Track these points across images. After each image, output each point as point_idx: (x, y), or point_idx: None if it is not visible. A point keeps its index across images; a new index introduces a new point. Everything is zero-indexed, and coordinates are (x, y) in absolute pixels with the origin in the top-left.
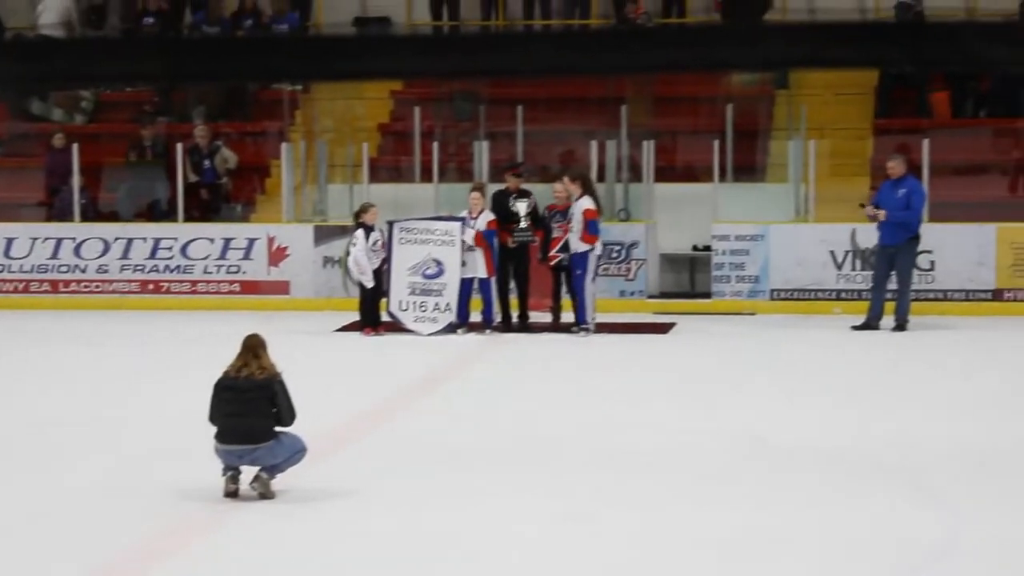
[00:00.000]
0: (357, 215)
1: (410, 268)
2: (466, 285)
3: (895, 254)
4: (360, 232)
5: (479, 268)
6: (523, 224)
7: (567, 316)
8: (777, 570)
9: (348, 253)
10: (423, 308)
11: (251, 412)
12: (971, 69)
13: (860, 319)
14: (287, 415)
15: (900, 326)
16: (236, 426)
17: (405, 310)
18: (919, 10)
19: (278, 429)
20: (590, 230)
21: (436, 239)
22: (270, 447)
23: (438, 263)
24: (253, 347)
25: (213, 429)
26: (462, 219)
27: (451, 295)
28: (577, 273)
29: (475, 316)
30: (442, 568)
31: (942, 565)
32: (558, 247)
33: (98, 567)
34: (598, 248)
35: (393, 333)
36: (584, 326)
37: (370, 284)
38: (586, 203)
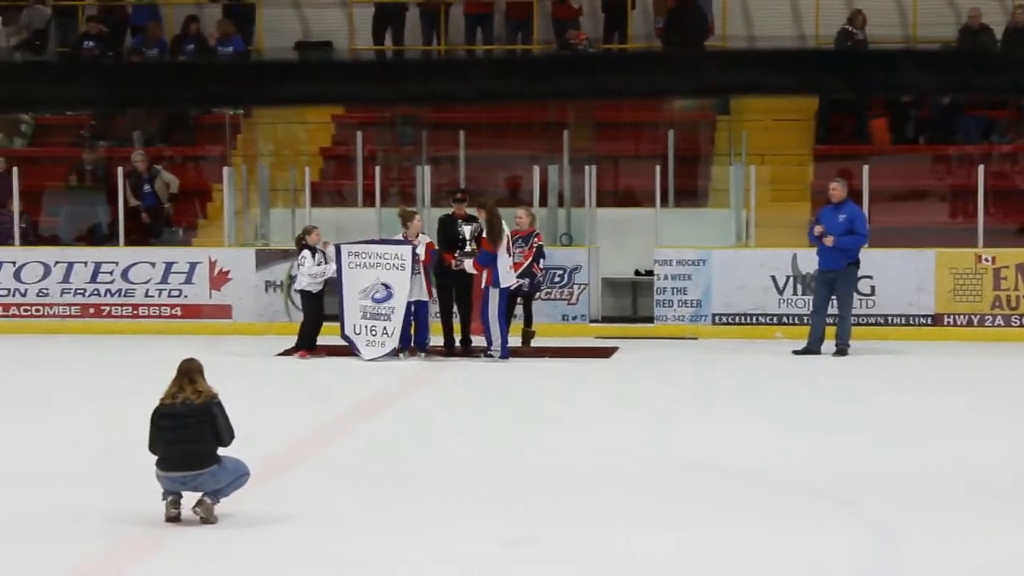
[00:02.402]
0: (300, 238)
1: (361, 292)
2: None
3: (835, 279)
4: (307, 252)
5: (421, 291)
6: (468, 248)
7: (516, 340)
8: None
9: (292, 276)
10: (373, 332)
11: (193, 438)
12: (910, 96)
13: (801, 344)
14: (226, 435)
15: (841, 351)
16: (178, 453)
17: (358, 333)
18: (860, 38)
19: (220, 452)
20: (481, 260)
21: (386, 263)
22: (212, 472)
23: (387, 287)
24: (188, 372)
25: (153, 456)
26: (410, 243)
27: (398, 320)
28: (484, 301)
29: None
30: None
31: None
32: (518, 272)
33: None
34: (506, 279)
35: (331, 357)
36: (490, 352)
37: (332, 273)
38: (484, 232)
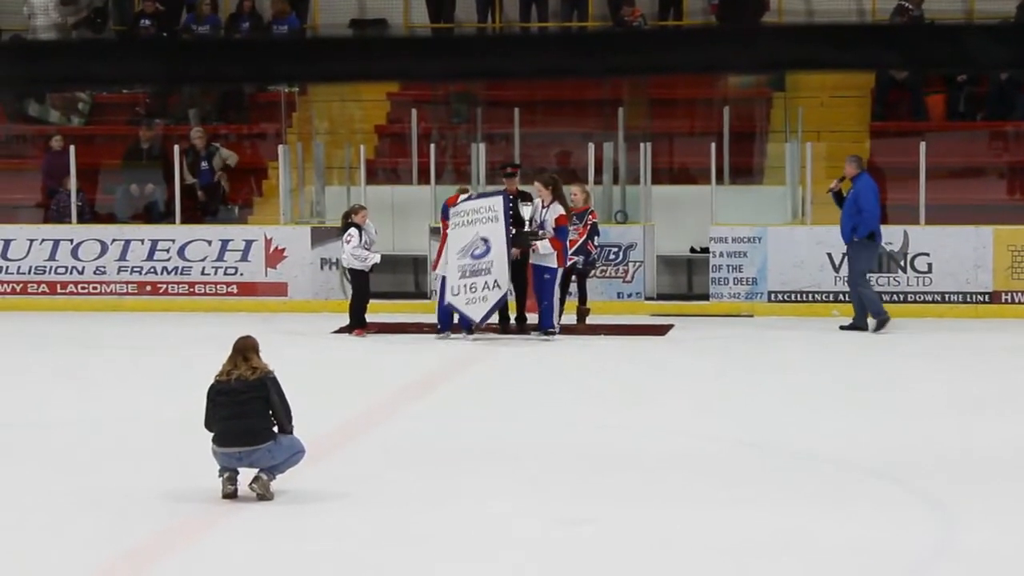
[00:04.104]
0: (347, 216)
1: (459, 251)
2: (445, 285)
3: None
4: (353, 230)
5: None
6: (528, 228)
7: (571, 318)
8: (768, 573)
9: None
10: (473, 289)
11: (248, 414)
12: (968, 72)
13: (849, 320)
14: (284, 416)
15: (880, 324)
16: (234, 429)
17: (456, 295)
18: (916, 14)
19: (277, 432)
20: (560, 236)
21: (482, 217)
22: (269, 448)
23: (485, 241)
24: (243, 349)
25: (209, 433)
26: (504, 192)
27: (499, 271)
28: (546, 278)
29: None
30: (442, 569)
31: (933, 571)
32: (573, 249)
33: (96, 569)
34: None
35: (381, 334)
36: (550, 330)
37: (377, 260)
38: (559, 209)
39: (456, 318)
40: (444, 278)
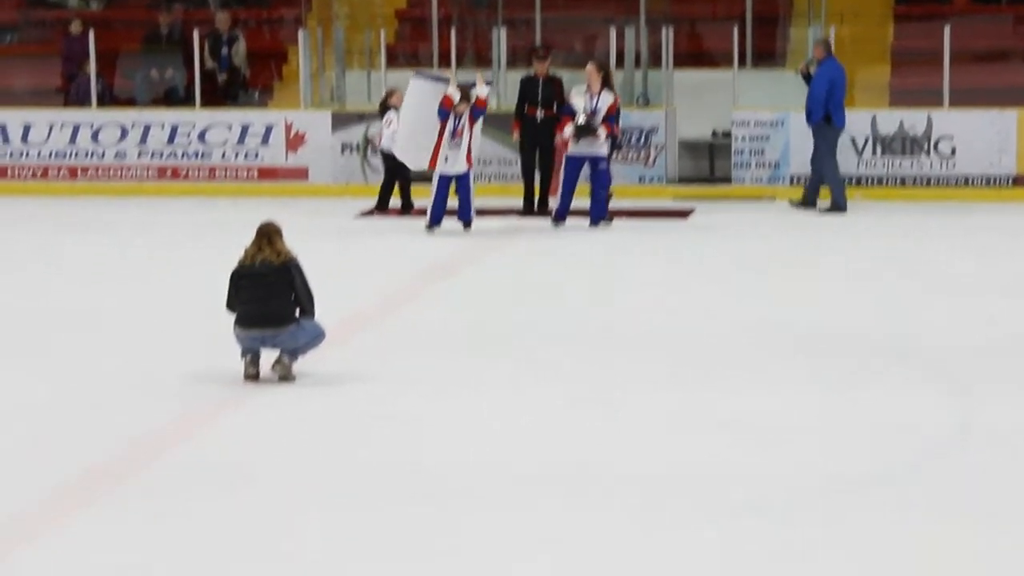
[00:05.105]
0: (384, 100)
1: None
2: (443, 184)
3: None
4: (392, 113)
5: (461, 162)
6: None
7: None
8: (791, 453)
9: (367, 138)
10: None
11: (271, 296)
12: None
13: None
14: (306, 300)
15: (832, 208)
16: (257, 311)
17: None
18: None
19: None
20: (612, 123)
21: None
22: (292, 331)
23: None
24: (268, 234)
25: (231, 315)
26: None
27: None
28: (601, 168)
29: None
30: (463, 447)
31: (956, 450)
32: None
33: (119, 449)
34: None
35: (404, 217)
36: (604, 221)
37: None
38: (611, 96)
39: (469, 212)
40: (441, 176)
